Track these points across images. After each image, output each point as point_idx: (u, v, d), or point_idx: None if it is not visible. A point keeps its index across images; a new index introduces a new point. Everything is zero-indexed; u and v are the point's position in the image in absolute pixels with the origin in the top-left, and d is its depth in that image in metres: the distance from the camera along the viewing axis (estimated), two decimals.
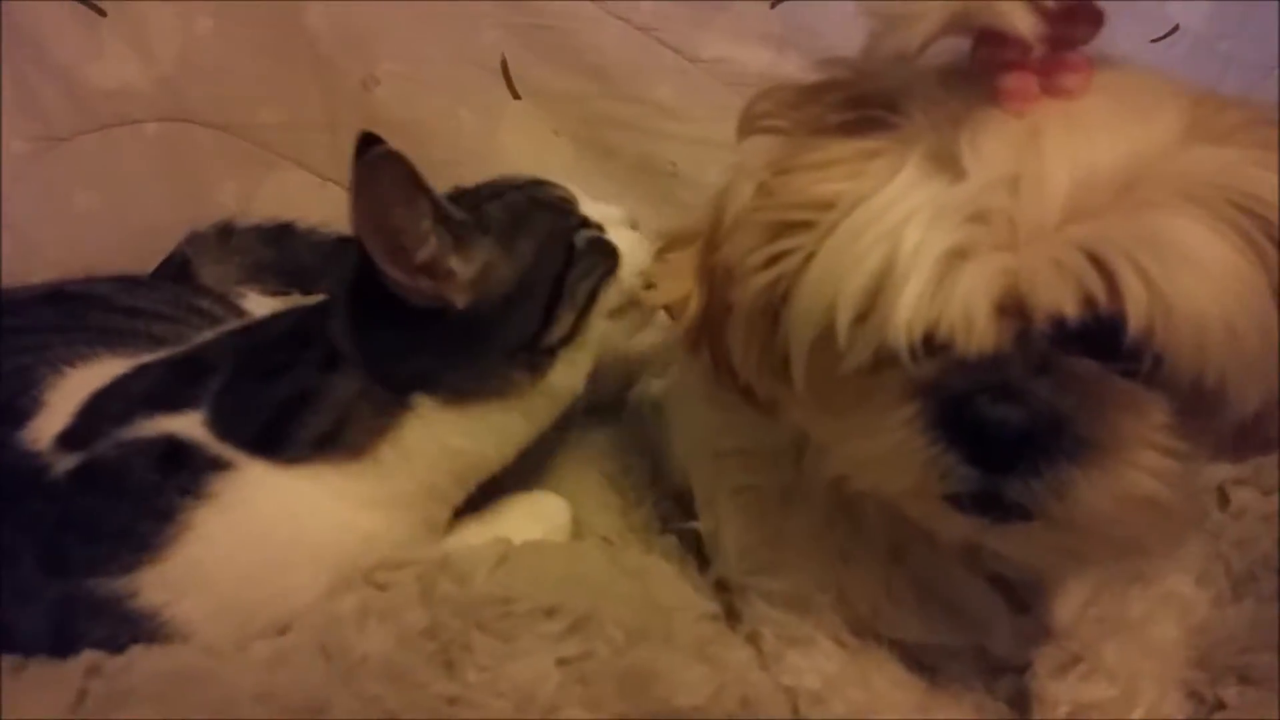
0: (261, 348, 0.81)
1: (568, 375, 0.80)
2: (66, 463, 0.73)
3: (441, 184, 1.29)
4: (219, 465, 0.73)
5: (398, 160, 0.71)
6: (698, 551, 0.85)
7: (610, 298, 0.81)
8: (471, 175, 1.24)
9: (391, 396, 0.75)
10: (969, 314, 0.53)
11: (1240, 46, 1.31)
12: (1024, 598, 0.73)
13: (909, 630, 0.74)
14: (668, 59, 1.23)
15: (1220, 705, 0.68)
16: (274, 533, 0.73)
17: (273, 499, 0.73)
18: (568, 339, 0.79)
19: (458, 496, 0.82)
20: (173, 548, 0.70)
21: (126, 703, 0.61)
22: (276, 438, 0.74)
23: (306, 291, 1.18)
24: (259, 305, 1.04)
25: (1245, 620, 0.73)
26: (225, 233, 1.19)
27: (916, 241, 0.54)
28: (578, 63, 1.23)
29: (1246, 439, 0.61)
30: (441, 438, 0.76)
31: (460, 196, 0.80)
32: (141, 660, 0.65)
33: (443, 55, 1.22)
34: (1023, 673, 0.73)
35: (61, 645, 0.70)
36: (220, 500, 0.72)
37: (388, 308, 0.74)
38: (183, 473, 0.72)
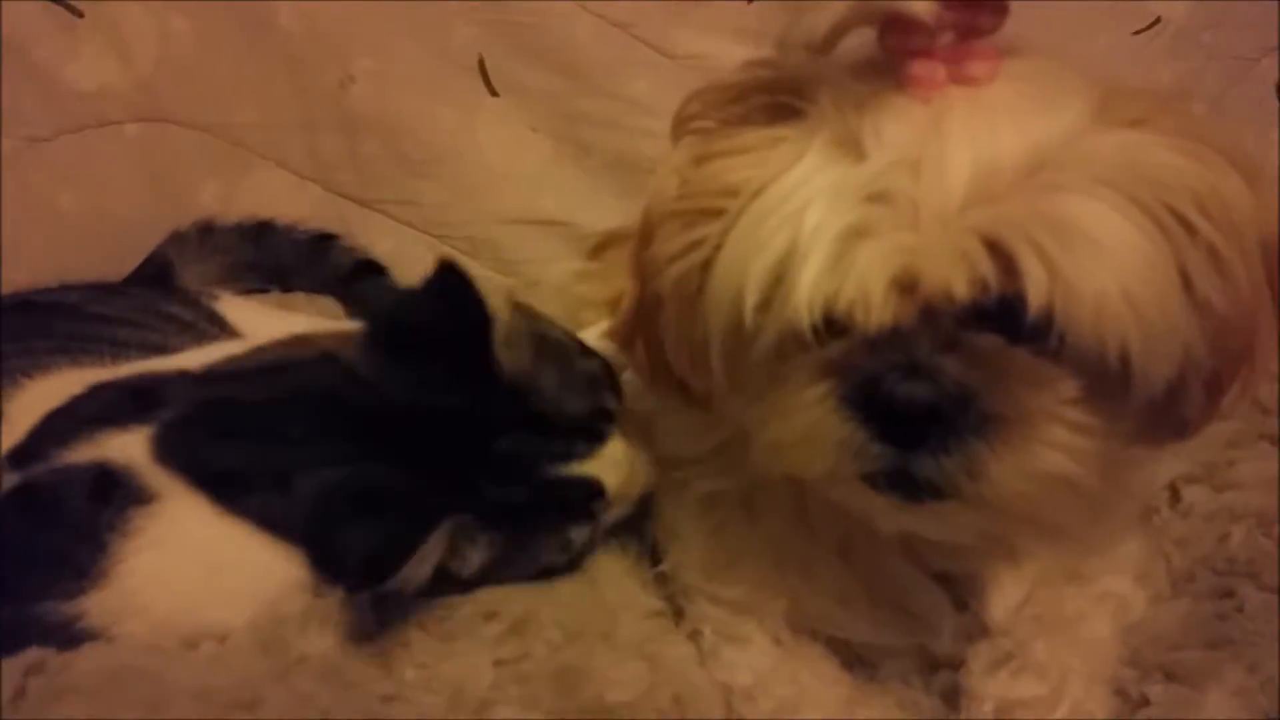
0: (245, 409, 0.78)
1: None
2: (9, 481, 0.73)
3: (420, 182, 1.27)
4: (144, 498, 0.72)
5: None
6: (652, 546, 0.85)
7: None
8: (450, 173, 1.25)
9: None
10: (865, 290, 0.54)
11: (1222, 38, 1.30)
12: (963, 595, 0.74)
13: (858, 631, 0.75)
14: (644, 55, 1.24)
15: (1144, 702, 0.68)
16: (194, 574, 0.72)
17: (190, 543, 0.72)
18: None
19: None
20: (110, 578, 0.70)
21: (64, 699, 0.62)
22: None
23: (285, 289, 1.20)
24: (231, 306, 1.05)
25: (1178, 617, 0.73)
26: (206, 232, 1.20)
27: (816, 222, 0.56)
28: (554, 59, 1.23)
29: (1160, 420, 0.62)
30: None
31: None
32: (84, 658, 0.66)
33: (419, 53, 1.23)
34: (959, 669, 0.73)
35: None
36: (145, 537, 0.71)
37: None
38: (110, 506, 0.71)
